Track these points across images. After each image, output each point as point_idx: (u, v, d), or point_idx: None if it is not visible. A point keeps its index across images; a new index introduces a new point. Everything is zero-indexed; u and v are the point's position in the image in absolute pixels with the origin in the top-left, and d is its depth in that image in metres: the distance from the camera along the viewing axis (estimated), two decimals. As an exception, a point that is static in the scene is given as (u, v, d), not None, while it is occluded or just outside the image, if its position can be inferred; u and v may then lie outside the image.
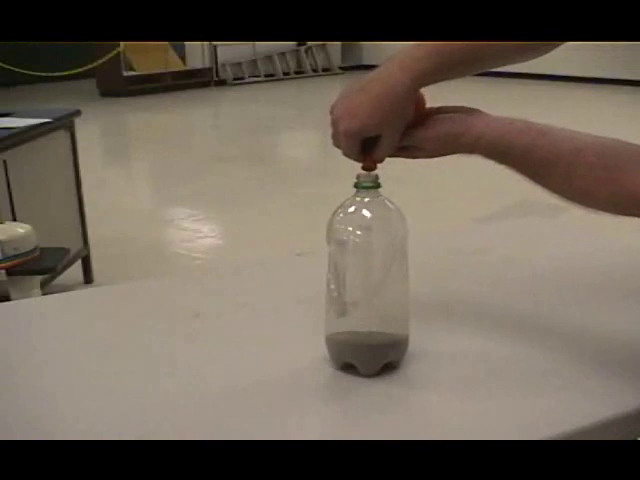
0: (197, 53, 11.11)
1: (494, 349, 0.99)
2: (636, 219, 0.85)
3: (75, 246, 3.46)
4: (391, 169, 1.02)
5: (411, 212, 0.96)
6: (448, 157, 0.97)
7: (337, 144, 0.96)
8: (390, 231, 0.92)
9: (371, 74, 0.96)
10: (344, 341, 0.94)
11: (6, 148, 3.03)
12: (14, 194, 3.01)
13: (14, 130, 3.13)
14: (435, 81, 0.95)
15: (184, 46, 11.09)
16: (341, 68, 12.52)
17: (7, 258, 2.44)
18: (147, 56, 10.29)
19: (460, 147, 0.94)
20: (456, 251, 1.36)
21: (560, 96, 9.34)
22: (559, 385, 0.91)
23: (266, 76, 11.72)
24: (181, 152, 6.92)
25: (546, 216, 1.61)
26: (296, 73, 12.17)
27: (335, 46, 12.53)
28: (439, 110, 0.97)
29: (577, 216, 1.14)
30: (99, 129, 8.27)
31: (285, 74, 12.01)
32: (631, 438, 0.89)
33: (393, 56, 0.96)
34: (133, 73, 10.37)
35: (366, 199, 0.90)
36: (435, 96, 1.01)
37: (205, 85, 11.06)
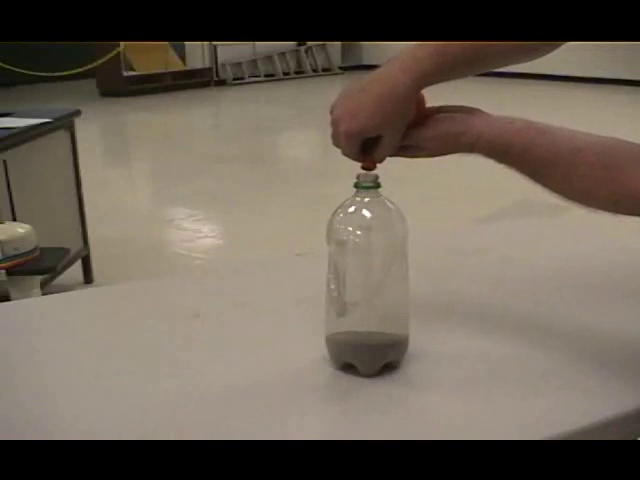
0: (197, 53, 11.11)
1: (494, 349, 0.99)
2: (636, 219, 0.85)
3: (75, 246, 3.46)
4: (391, 169, 1.02)
5: (411, 212, 0.96)
6: (448, 157, 0.97)
7: (337, 144, 0.96)
8: (390, 231, 0.92)
9: (372, 74, 0.96)
10: (344, 341, 0.94)
11: (6, 148, 3.03)
12: (14, 194, 3.01)
13: (14, 130, 3.13)
14: (436, 82, 0.95)
15: (184, 46, 11.09)
16: (341, 68, 12.51)
17: (7, 258, 2.44)
18: (147, 56, 10.29)
19: (460, 146, 0.94)
20: (456, 251, 1.36)
21: (560, 96, 9.33)
22: (559, 385, 0.91)
23: (266, 76, 11.72)
24: (181, 152, 6.92)
25: (546, 216, 1.61)
26: (296, 73, 12.17)
27: (335, 46, 12.53)
28: (439, 110, 0.97)
29: (577, 216, 1.14)
30: (99, 129, 8.27)
31: (285, 74, 12.01)
32: (631, 438, 0.89)
33: (394, 57, 0.96)
34: (133, 73, 10.37)
35: (366, 199, 0.90)
36: (436, 96, 1.01)
37: (205, 85, 11.06)
